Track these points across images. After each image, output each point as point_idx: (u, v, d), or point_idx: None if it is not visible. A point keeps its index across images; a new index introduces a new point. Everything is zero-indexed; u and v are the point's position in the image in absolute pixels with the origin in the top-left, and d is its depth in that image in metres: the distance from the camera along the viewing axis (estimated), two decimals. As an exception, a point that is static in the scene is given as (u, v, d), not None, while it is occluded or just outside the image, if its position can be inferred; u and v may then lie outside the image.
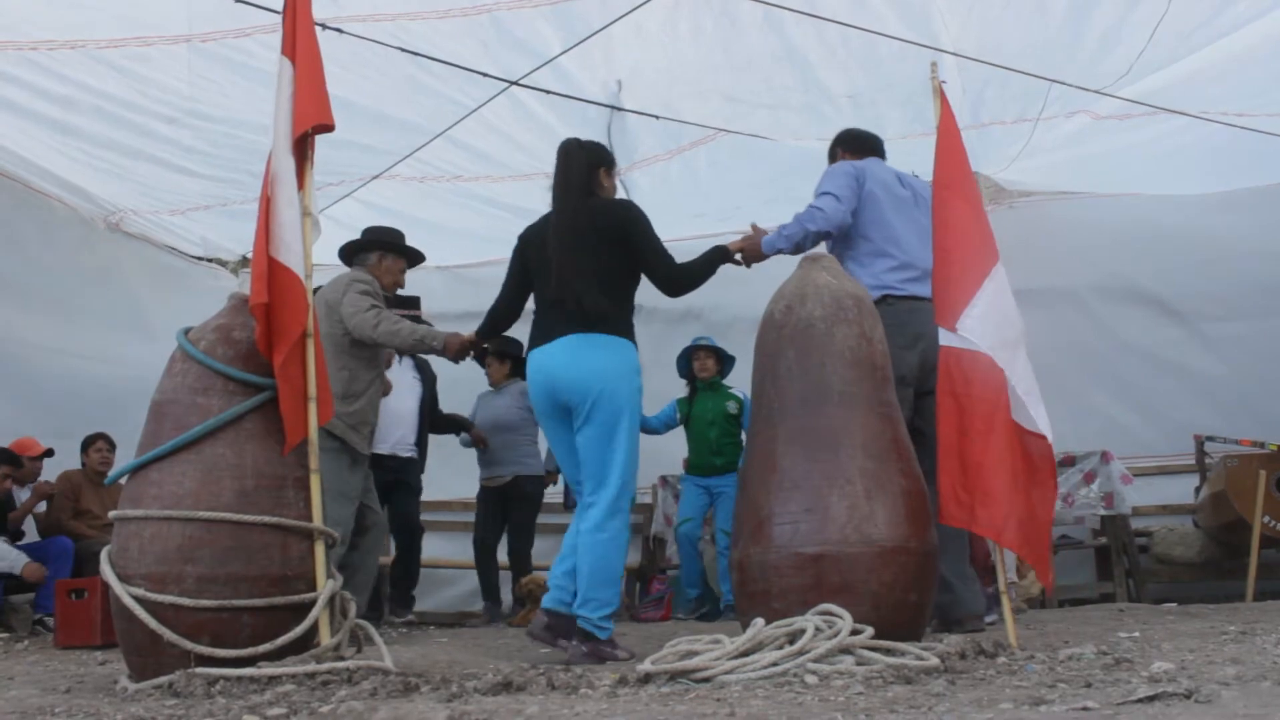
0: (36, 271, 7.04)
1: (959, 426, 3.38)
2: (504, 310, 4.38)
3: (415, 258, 5.39)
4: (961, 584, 4.29)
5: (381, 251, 5.22)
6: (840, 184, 4.35)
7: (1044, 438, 3.40)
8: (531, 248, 4.20)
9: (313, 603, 3.08)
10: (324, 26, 4.81)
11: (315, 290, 5.63)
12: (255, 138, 5.94)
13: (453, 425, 6.74)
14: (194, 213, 7.30)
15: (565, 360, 3.90)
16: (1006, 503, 3.29)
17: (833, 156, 4.76)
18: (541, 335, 4.04)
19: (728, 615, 6.51)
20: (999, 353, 3.39)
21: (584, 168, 4.19)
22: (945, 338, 3.49)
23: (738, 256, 4.40)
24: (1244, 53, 6.02)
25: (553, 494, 7.18)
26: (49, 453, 6.75)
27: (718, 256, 4.27)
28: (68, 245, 7.16)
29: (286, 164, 3.25)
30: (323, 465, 4.52)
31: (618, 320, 3.99)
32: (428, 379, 6.61)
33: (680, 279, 4.12)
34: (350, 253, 5.27)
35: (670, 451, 7.24)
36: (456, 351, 4.73)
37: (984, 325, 3.43)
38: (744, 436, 6.83)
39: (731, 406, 6.82)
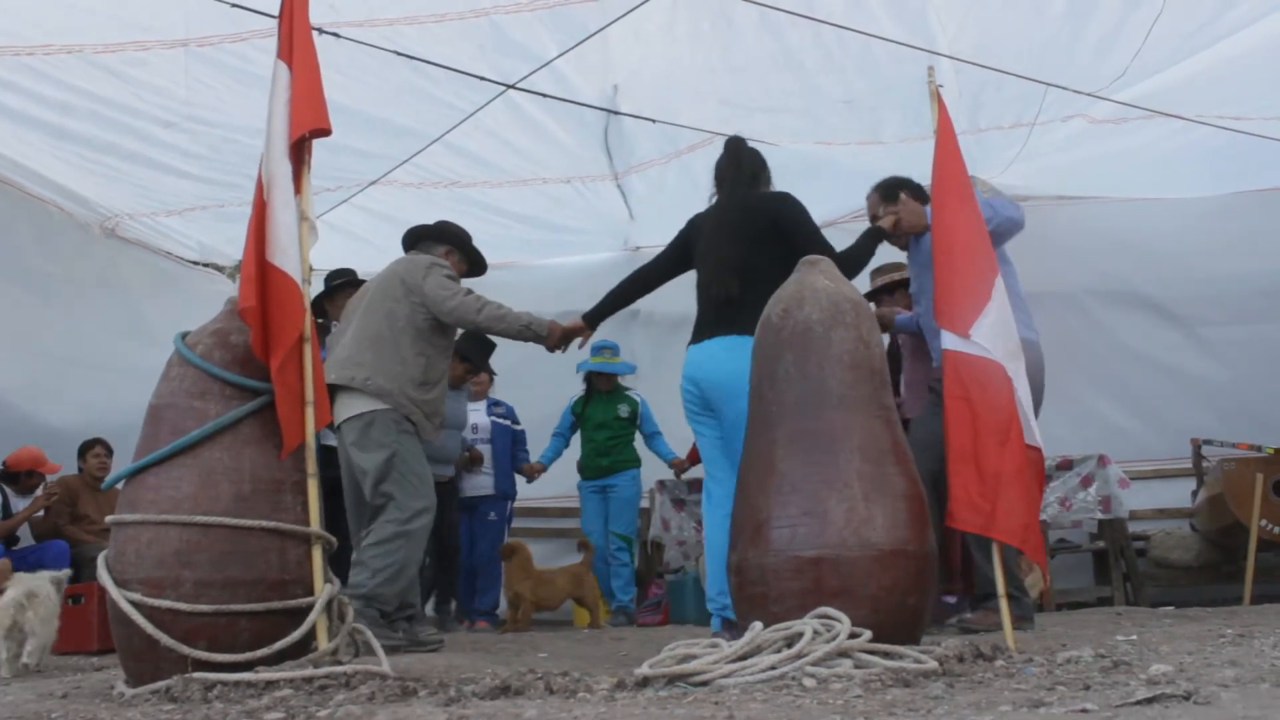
0: (32, 276, 7.02)
1: (974, 433, 3.40)
2: (638, 286, 4.41)
3: (479, 266, 5.13)
4: None
5: (451, 247, 4.98)
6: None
7: (1039, 450, 3.49)
8: (697, 234, 4.23)
9: (310, 607, 3.08)
10: (320, 31, 4.81)
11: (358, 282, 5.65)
12: (252, 142, 5.93)
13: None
14: (190, 214, 7.29)
15: (715, 363, 3.99)
16: (1026, 512, 3.38)
17: (894, 198, 4.76)
18: (698, 332, 4.10)
19: (618, 619, 6.62)
20: (1008, 364, 3.43)
21: (753, 162, 4.34)
22: (950, 342, 3.50)
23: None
24: (1241, 56, 6.03)
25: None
26: (10, 476, 6.70)
27: (873, 236, 4.34)
28: (64, 250, 7.15)
29: (283, 168, 3.25)
30: (406, 451, 4.45)
31: None
32: None
33: (848, 267, 4.14)
34: (416, 238, 5.01)
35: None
36: (558, 341, 4.58)
37: (995, 335, 3.46)
38: (640, 437, 7.11)
39: (623, 410, 6.99)
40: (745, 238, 4.13)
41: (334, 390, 4.42)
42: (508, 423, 7.05)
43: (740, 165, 4.35)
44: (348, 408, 4.47)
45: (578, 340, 4.70)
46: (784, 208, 4.22)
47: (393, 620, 4.39)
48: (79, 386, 7.06)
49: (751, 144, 6.73)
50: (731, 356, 3.98)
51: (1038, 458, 3.49)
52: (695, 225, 4.33)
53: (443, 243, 4.97)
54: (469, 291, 4.62)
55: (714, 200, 4.41)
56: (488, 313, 4.55)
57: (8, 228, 6.87)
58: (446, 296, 4.56)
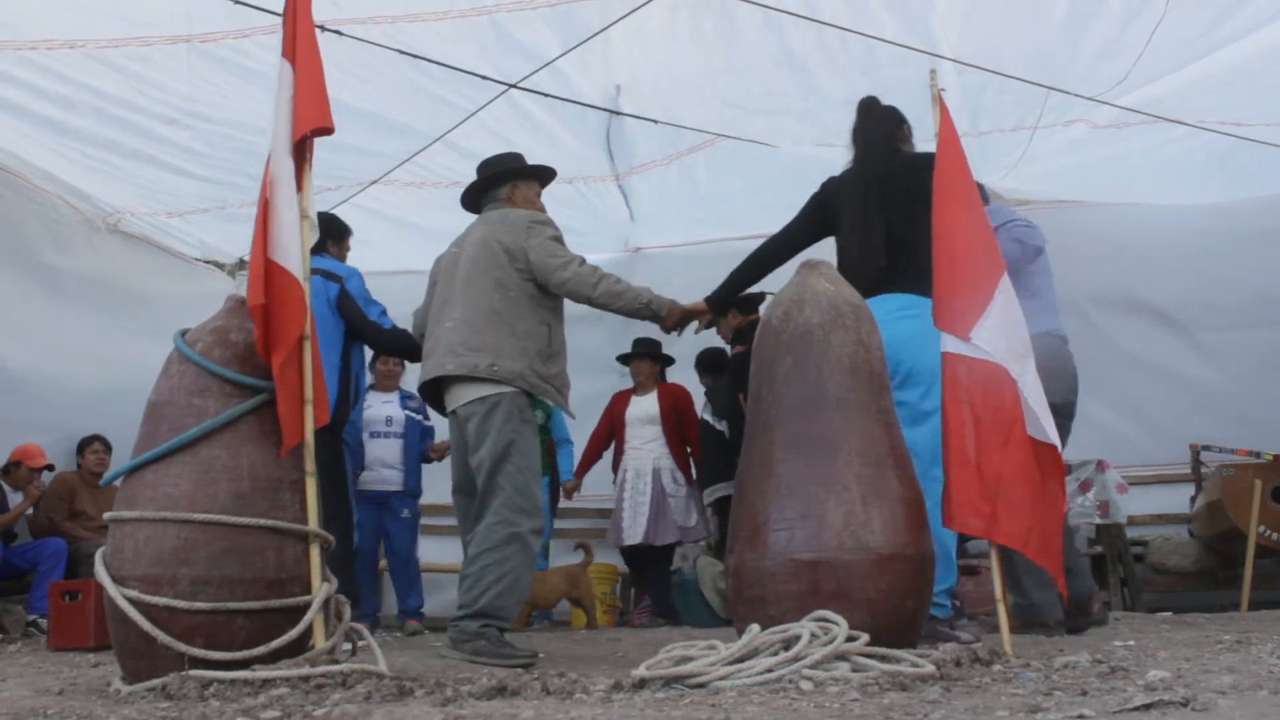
0: (36, 269, 7.01)
1: (974, 435, 3.38)
2: (766, 262, 4.20)
3: (547, 176, 4.58)
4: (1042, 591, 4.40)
5: (513, 182, 4.45)
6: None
7: (1055, 448, 3.42)
8: (837, 199, 4.09)
9: (307, 606, 3.07)
10: (323, 29, 4.80)
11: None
12: (254, 139, 5.94)
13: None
14: (192, 216, 7.29)
15: (891, 322, 3.72)
16: (1029, 514, 3.33)
17: None
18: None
19: (541, 622, 6.53)
20: (1011, 364, 3.41)
21: (885, 123, 4.20)
22: (949, 344, 3.48)
23: None
24: (1242, 62, 6.04)
25: None
26: (49, 467, 6.70)
27: None
28: (67, 243, 7.14)
29: (286, 166, 3.25)
30: (525, 442, 4.06)
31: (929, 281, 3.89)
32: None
33: None
34: (478, 193, 4.51)
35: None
36: (676, 323, 4.22)
37: (997, 336, 3.43)
38: (555, 444, 7.04)
39: (539, 416, 6.88)
40: (890, 204, 3.98)
41: (446, 380, 4.11)
42: (419, 417, 6.75)
43: (872, 131, 4.19)
44: (468, 391, 4.07)
45: (693, 325, 4.38)
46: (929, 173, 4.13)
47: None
48: (79, 381, 7.05)
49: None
50: (903, 319, 3.79)
51: (1056, 458, 3.42)
52: (833, 190, 4.14)
53: (501, 184, 4.46)
54: (583, 261, 4.15)
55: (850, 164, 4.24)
56: (605, 288, 4.09)
57: (17, 220, 6.83)
58: (558, 266, 4.09)
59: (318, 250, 5.20)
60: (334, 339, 5.11)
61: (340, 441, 5.20)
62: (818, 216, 4.21)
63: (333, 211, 7.10)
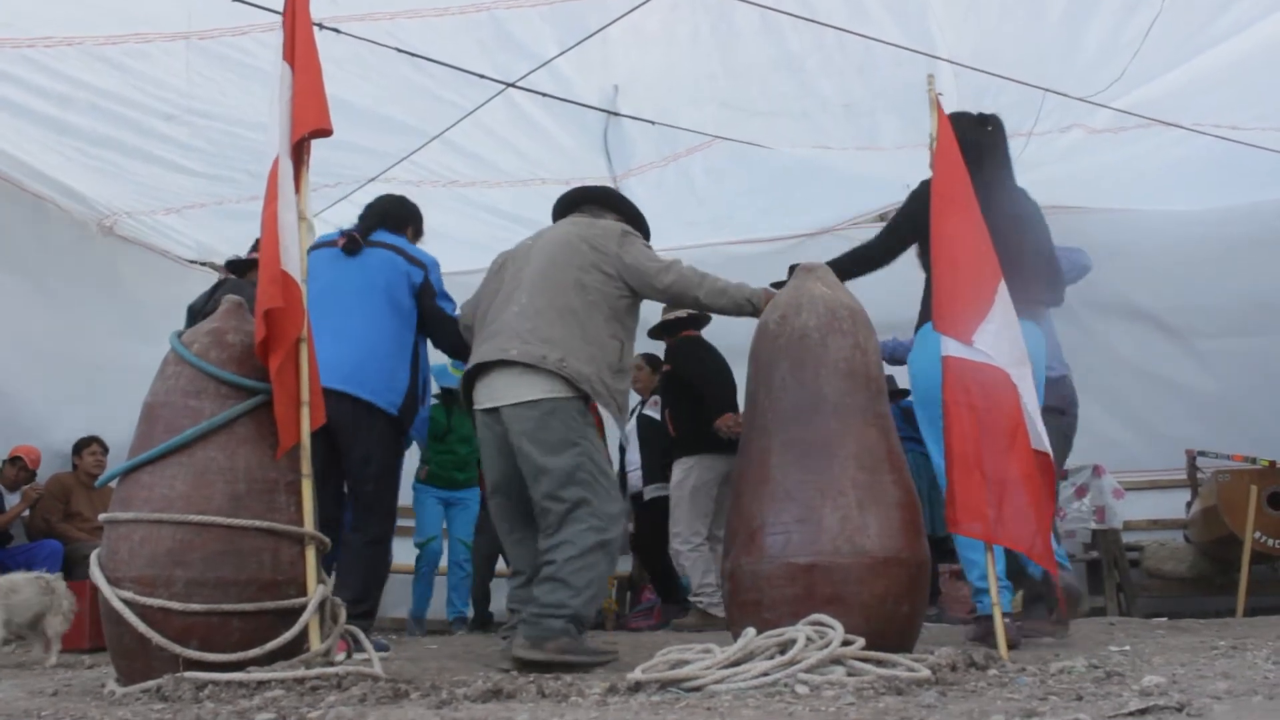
0: (29, 272, 7.00)
1: (977, 440, 3.37)
2: (864, 264, 4.09)
3: (644, 235, 4.29)
4: None
5: (618, 215, 4.26)
6: None
7: (1048, 455, 3.43)
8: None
9: (303, 608, 3.07)
10: (321, 26, 4.80)
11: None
12: (253, 136, 5.94)
13: None
14: (189, 211, 7.28)
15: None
16: (1036, 520, 3.33)
17: None
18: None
19: (457, 628, 6.53)
20: (1012, 370, 3.41)
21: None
22: (951, 348, 3.47)
23: None
24: (1239, 62, 6.02)
25: None
26: (15, 459, 6.65)
27: None
28: (61, 247, 7.13)
29: (285, 168, 3.25)
30: (594, 447, 3.84)
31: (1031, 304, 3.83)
32: None
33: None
34: (575, 202, 4.34)
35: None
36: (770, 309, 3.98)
37: (999, 341, 3.43)
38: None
39: None
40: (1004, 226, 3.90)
41: (490, 366, 3.85)
42: None
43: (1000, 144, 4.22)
44: (515, 390, 3.79)
45: None
46: (1035, 206, 4.19)
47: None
48: (76, 384, 7.04)
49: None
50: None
51: (1049, 465, 3.42)
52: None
53: (609, 210, 4.28)
54: (678, 261, 3.97)
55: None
56: (709, 286, 3.90)
57: (5, 224, 6.83)
58: (659, 269, 3.90)
59: (402, 231, 4.98)
60: (410, 324, 4.71)
61: (403, 441, 4.78)
62: (912, 226, 4.06)
63: (331, 209, 7.10)
